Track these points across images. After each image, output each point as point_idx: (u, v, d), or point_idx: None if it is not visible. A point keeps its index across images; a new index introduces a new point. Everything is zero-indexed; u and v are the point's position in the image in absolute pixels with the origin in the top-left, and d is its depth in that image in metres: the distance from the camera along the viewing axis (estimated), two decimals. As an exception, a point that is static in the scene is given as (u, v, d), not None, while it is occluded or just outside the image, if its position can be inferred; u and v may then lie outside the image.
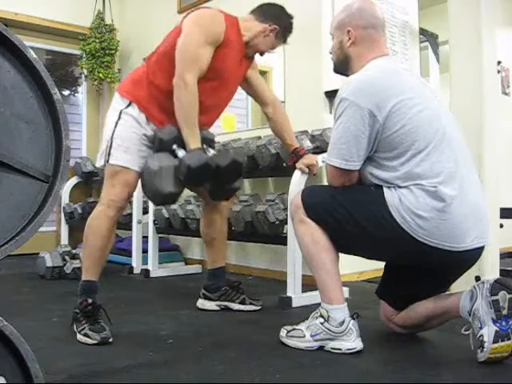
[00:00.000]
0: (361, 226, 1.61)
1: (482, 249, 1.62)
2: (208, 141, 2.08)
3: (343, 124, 1.61)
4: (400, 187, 1.57)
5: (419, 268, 1.69)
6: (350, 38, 1.74)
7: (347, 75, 1.77)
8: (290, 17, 2.18)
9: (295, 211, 1.74)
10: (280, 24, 2.14)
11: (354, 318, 1.65)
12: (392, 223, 1.57)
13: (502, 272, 2.68)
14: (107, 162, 1.99)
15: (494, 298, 1.50)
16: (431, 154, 1.56)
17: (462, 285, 1.74)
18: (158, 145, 2.00)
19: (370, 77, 1.64)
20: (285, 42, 2.21)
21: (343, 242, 1.69)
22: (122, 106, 2.03)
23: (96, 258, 1.94)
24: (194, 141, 1.95)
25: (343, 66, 1.80)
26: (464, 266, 1.68)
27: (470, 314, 1.56)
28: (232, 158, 1.97)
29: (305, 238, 1.71)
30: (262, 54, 2.21)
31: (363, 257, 1.84)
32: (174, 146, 1.97)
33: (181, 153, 1.96)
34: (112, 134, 2.00)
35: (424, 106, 1.61)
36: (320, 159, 2.38)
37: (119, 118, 2.01)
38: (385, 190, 1.60)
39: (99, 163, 2.07)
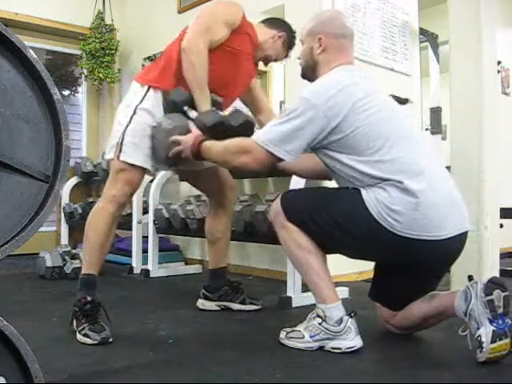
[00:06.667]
0: (341, 226, 1.64)
1: (464, 236, 1.66)
2: (217, 104, 2.09)
3: (297, 120, 1.63)
4: (373, 186, 1.61)
5: (407, 266, 1.70)
6: (320, 45, 1.79)
7: (313, 81, 1.81)
8: (293, 31, 2.27)
9: (275, 217, 1.75)
10: (287, 31, 2.25)
11: (351, 316, 1.65)
12: (371, 222, 1.59)
13: (502, 272, 2.68)
14: (118, 157, 1.99)
15: (489, 297, 1.51)
16: (391, 151, 1.61)
17: (464, 283, 1.73)
18: (169, 106, 2.02)
19: (329, 81, 1.71)
20: (287, 55, 2.30)
21: (327, 244, 1.71)
22: (138, 100, 2.02)
23: (96, 253, 1.95)
24: (205, 103, 1.99)
25: (310, 72, 1.85)
26: (450, 256, 1.71)
27: (465, 315, 1.56)
28: (245, 118, 1.97)
29: (288, 243, 1.72)
30: (266, 62, 2.29)
31: (348, 257, 1.84)
32: (186, 108, 1.99)
33: (193, 114, 1.98)
34: (125, 129, 1.99)
35: (380, 107, 1.67)
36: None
37: (134, 113, 2.01)
38: (361, 190, 1.64)
39: (108, 155, 2.05)
